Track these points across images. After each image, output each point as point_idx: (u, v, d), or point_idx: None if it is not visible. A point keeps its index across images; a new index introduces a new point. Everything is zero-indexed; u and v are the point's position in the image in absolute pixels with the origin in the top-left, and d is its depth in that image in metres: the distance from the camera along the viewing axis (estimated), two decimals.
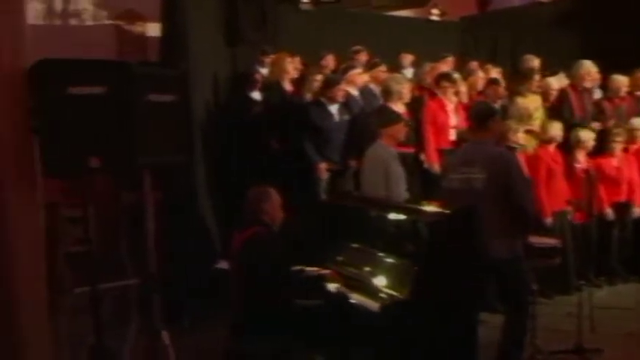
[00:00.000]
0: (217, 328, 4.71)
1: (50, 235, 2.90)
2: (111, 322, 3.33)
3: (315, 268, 4.20)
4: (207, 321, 5.38)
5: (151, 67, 3.23)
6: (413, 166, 6.29)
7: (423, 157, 6.60)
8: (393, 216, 4.39)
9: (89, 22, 8.53)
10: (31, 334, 2.67)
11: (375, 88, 7.01)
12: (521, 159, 5.62)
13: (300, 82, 6.58)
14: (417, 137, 6.54)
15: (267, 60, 6.82)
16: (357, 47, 7.58)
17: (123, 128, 2.71)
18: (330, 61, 7.31)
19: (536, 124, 6.58)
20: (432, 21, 9.80)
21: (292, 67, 6.73)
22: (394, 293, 3.90)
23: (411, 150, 6.38)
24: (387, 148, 5.17)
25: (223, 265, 4.23)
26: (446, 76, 6.84)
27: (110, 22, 8.53)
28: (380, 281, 4.09)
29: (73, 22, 8.48)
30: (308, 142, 6.15)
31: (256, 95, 6.51)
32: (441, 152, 6.55)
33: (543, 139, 6.36)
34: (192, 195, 5.94)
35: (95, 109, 2.65)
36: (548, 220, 6.08)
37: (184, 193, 5.87)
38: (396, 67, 7.76)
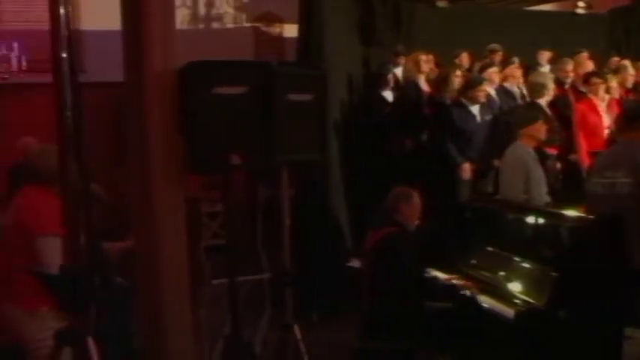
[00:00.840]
0: (346, 325, 4.75)
1: (191, 229, 3.03)
2: (245, 313, 3.43)
3: (447, 276, 4.14)
4: (336, 318, 5.43)
5: (290, 67, 3.30)
6: (555, 167, 6.00)
7: (572, 158, 6.28)
8: (532, 220, 4.22)
9: (230, 25, 8.90)
10: (175, 324, 2.79)
11: (510, 87, 6.78)
12: None
13: (438, 82, 6.47)
14: (561, 138, 6.22)
15: (400, 60, 6.79)
16: (493, 46, 7.35)
17: (263, 126, 2.79)
18: (464, 59, 7.15)
19: None
20: (577, 14, 9.25)
21: (427, 66, 6.65)
22: (530, 300, 3.75)
23: (554, 151, 6.09)
24: (526, 149, 4.96)
25: (355, 263, 4.26)
26: (596, 74, 6.46)
27: (249, 24, 8.86)
28: (515, 287, 3.95)
29: (215, 25, 8.89)
30: (450, 142, 6.02)
31: (388, 95, 6.50)
32: (594, 155, 6.19)
33: None
34: (326, 193, 6.03)
35: (237, 107, 2.74)
36: None
37: (318, 191, 5.97)
38: (531, 65, 7.45)
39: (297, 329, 3.54)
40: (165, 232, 2.80)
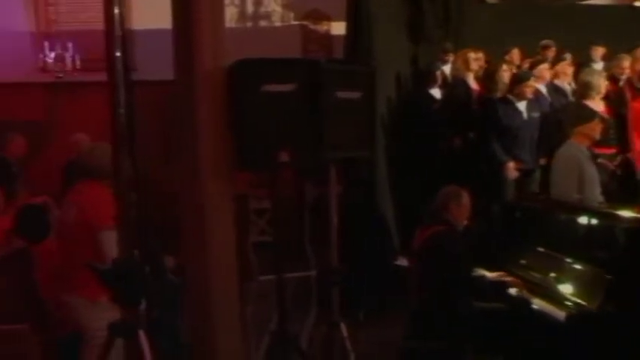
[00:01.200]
0: (393, 324, 4.73)
1: (239, 226, 3.05)
2: (291, 309, 3.45)
3: (496, 274, 4.08)
4: (383, 316, 5.42)
5: (339, 65, 3.29)
6: (609, 167, 5.84)
7: (627, 157, 6.11)
8: (584, 220, 4.12)
9: (277, 23, 8.95)
10: (224, 320, 2.82)
11: (561, 84, 6.62)
12: None
13: (486, 79, 6.37)
14: (618, 136, 6.05)
15: (449, 57, 6.72)
16: (546, 42, 7.18)
17: (311, 124, 2.80)
18: (515, 56, 7.00)
19: None
20: (635, 7, 8.94)
21: (476, 63, 6.56)
22: (582, 303, 3.67)
23: (610, 150, 5.93)
24: (580, 148, 4.85)
25: (402, 261, 4.24)
26: None
27: (297, 22, 8.88)
28: (566, 289, 3.87)
29: (263, 23, 8.95)
30: (496, 141, 5.92)
31: (436, 93, 6.44)
32: None
33: None
34: (373, 191, 6.01)
35: (286, 105, 2.75)
36: None
37: (365, 188, 5.96)
38: (584, 61, 7.25)
39: (343, 327, 3.54)
40: (215, 229, 2.83)
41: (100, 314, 3.14)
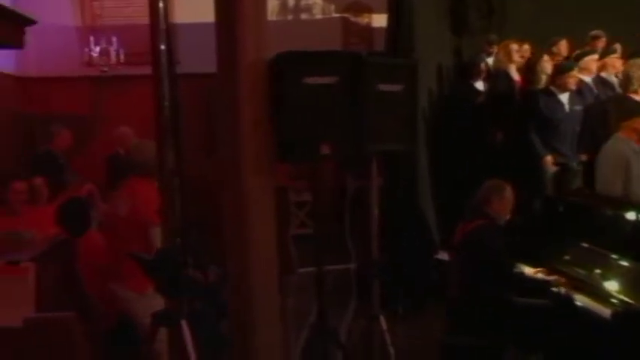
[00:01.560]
0: (432, 318, 4.70)
1: (279, 218, 3.06)
2: (331, 302, 3.45)
3: (538, 272, 4.01)
4: (422, 311, 5.39)
5: (380, 57, 3.28)
6: None
7: None
8: (631, 216, 4.02)
9: (318, 16, 8.94)
10: (264, 312, 2.84)
11: (608, 76, 6.45)
12: None
13: (528, 70, 6.25)
14: None
15: (493, 49, 6.61)
16: (596, 32, 6.97)
17: (352, 116, 2.79)
18: (562, 47, 6.81)
19: None
20: None
21: (519, 55, 6.44)
22: (629, 300, 3.59)
23: None
24: (628, 143, 4.73)
25: (443, 255, 4.21)
26: None
27: (337, 14, 8.87)
28: (611, 285, 3.79)
29: (304, 16, 8.95)
30: (535, 133, 5.81)
31: (480, 85, 6.36)
32: None
33: None
34: (414, 184, 5.97)
35: (327, 97, 2.75)
36: None
37: (406, 181, 5.92)
38: (634, 53, 7.02)
39: (383, 320, 3.53)
40: (255, 221, 2.84)
41: (148, 304, 3.21)
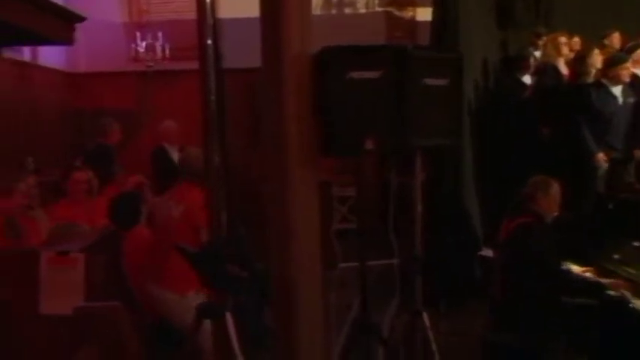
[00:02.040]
0: (474, 315, 4.65)
1: (323, 213, 3.06)
2: (373, 297, 3.45)
3: (587, 271, 3.93)
4: (465, 307, 5.33)
5: (425, 51, 3.24)
6: None
7: None
8: None
9: (362, 10, 8.91)
10: (306, 307, 2.85)
11: None
12: None
13: (577, 64, 6.10)
14: None
15: (541, 42, 6.48)
16: None
17: (397, 111, 2.78)
18: (615, 39, 6.61)
19: None
20: None
21: (568, 48, 6.29)
22: None
23: None
24: None
25: (487, 252, 4.16)
26: None
27: (381, 9, 8.82)
28: None
29: (348, 10, 8.94)
30: (586, 129, 5.66)
31: (527, 79, 6.24)
32: None
33: None
34: (458, 179, 5.91)
35: (372, 92, 2.74)
36: None
37: (450, 177, 5.87)
38: None
39: (426, 316, 3.51)
40: (299, 215, 2.85)
41: (188, 306, 3.26)
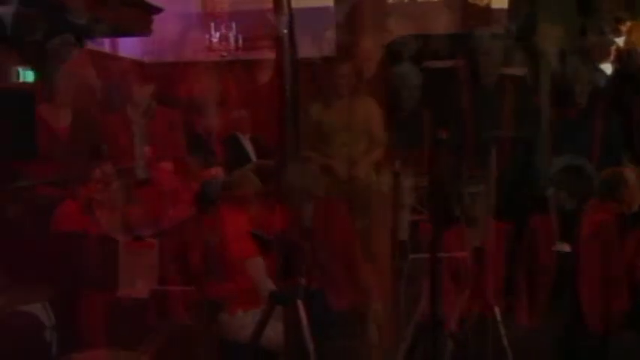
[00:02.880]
0: (548, 311, 4.53)
1: (394, 203, 3.05)
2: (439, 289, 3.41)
3: None
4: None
5: (502, 40, 3.18)
6: None
7: None
8: None
9: None
10: (377, 293, 2.85)
11: None
12: None
13: None
14: None
15: (624, 28, 6.22)
16: None
17: (472, 101, 2.73)
18: None
19: None
20: None
21: None
22: None
23: None
24: None
25: (563, 247, 4.05)
26: None
27: None
28: None
29: None
30: None
31: (607, 68, 6.01)
32: None
33: None
34: (532, 171, 5.76)
35: (446, 82, 2.71)
36: None
37: (525, 168, 5.72)
38: None
39: (497, 311, 3.45)
40: (371, 207, 2.85)
41: (238, 323, 3.31)
